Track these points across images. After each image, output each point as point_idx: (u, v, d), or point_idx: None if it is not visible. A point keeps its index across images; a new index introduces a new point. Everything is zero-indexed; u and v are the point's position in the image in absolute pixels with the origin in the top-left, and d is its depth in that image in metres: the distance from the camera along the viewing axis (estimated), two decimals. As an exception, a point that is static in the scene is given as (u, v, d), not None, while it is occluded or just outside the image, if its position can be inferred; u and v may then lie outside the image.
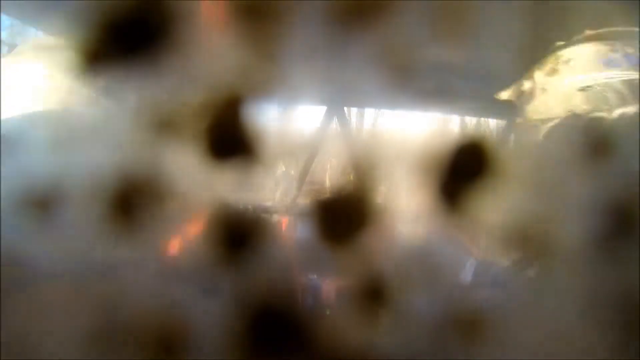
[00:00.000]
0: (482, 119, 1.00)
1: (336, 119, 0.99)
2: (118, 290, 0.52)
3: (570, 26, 0.64)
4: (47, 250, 0.48)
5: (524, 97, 0.56)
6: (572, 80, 0.51)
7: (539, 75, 0.56)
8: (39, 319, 0.47)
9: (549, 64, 0.55)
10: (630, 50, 0.50)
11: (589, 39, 0.53)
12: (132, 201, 0.44)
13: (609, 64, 0.50)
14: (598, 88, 0.49)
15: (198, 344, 0.48)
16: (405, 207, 0.46)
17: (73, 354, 0.45)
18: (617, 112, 0.47)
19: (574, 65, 0.52)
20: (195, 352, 0.48)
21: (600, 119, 0.47)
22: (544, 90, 0.53)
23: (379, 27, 0.48)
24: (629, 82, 0.47)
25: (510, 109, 0.64)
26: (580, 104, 0.49)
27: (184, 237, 0.55)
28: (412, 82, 0.54)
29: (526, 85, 0.57)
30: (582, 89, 0.49)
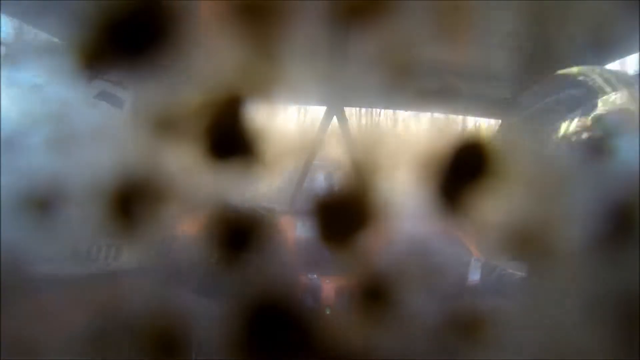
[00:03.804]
0: (482, 119, 1.00)
1: (336, 119, 0.99)
2: (118, 290, 0.52)
3: (570, 26, 0.64)
4: (47, 251, 0.48)
5: None
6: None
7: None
8: (39, 319, 0.47)
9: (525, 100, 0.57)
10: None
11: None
12: (132, 201, 0.44)
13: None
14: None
15: (198, 344, 0.48)
16: (405, 207, 0.46)
17: (73, 354, 0.45)
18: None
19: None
20: (195, 352, 0.48)
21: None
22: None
23: (379, 27, 0.48)
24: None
25: (510, 109, 0.64)
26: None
27: (183, 237, 0.55)
28: (412, 82, 0.54)
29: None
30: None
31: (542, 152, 0.49)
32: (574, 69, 0.53)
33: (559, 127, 0.49)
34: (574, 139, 0.47)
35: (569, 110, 0.49)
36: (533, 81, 0.59)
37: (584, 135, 0.46)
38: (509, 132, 0.55)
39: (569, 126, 0.48)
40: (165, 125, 0.44)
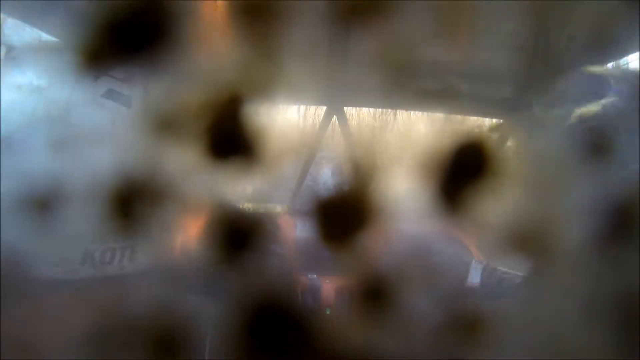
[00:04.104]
0: (482, 119, 1.00)
1: (336, 119, 0.99)
2: (118, 290, 0.52)
3: (570, 26, 0.64)
4: (47, 250, 0.48)
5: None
6: (569, 111, 0.53)
7: (537, 109, 0.57)
8: (39, 319, 0.47)
9: (546, 98, 0.56)
10: (614, 82, 0.52)
11: (581, 73, 0.55)
12: (132, 201, 0.44)
13: (597, 93, 0.51)
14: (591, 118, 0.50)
15: (198, 344, 0.48)
16: (406, 208, 0.46)
17: (73, 354, 0.45)
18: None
19: (569, 96, 0.54)
20: (195, 352, 0.48)
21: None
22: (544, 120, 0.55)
23: (379, 27, 0.48)
24: (616, 110, 0.49)
25: (510, 109, 0.64)
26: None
27: (184, 237, 0.55)
28: (412, 82, 0.54)
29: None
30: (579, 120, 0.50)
31: (548, 145, 0.49)
32: (600, 69, 0.53)
33: (572, 112, 0.48)
34: (587, 123, 0.46)
35: (586, 100, 0.49)
36: (533, 81, 0.59)
37: (598, 119, 0.46)
38: (515, 126, 0.55)
39: (584, 111, 0.47)
40: (167, 124, 0.44)
